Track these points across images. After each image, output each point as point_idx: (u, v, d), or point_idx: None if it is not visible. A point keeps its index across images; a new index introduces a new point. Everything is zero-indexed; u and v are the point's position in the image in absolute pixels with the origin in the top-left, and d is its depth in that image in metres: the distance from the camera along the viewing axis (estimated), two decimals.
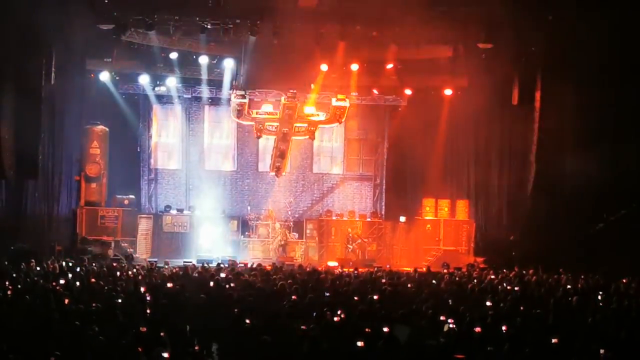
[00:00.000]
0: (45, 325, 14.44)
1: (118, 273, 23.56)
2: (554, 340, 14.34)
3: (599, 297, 20.63)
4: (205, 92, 34.49)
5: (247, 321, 15.36)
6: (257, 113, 32.73)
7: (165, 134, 35.83)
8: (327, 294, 19.76)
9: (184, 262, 28.91)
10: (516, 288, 22.43)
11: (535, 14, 28.83)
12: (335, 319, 16.09)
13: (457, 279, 25.35)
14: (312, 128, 33.37)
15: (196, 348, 14.45)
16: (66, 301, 17.17)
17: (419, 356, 14.02)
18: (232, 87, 33.18)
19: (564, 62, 29.70)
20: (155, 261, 29.30)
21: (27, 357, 12.65)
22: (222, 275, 23.26)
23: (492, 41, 30.16)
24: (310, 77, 33.30)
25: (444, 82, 33.61)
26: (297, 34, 31.14)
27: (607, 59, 29.10)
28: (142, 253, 32.10)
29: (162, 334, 13.84)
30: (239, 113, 32.61)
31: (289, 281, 21.27)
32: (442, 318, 16.39)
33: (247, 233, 33.81)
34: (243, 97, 32.16)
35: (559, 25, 29.22)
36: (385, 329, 14.79)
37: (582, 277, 24.87)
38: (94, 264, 26.94)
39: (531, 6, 28.43)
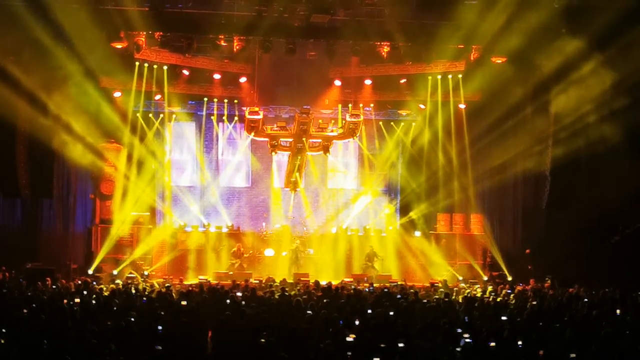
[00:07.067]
0: (61, 344, 14.43)
1: (133, 291, 23.56)
2: (572, 355, 14.24)
3: (617, 312, 20.49)
4: (218, 108, 34.53)
5: (264, 338, 15.34)
6: (271, 129, 32.67)
7: (180, 151, 35.84)
8: (343, 310, 19.71)
9: (200, 279, 28.93)
10: (532, 302, 22.34)
11: (549, 27, 28.74)
12: (351, 334, 16.03)
13: (472, 293, 25.26)
14: (326, 143, 33.28)
15: None
16: (82, 319, 17.19)
17: None
18: (245, 104, 33.26)
19: (578, 75, 29.62)
20: (171, 279, 29.39)
21: None
22: (238, 292, 23.27)
23: (506, 54, 30.14)
24: (324, 93, 33.41)
25: (458, 95, 33.55)
26: (310, 50, 31.27)
27: (622, 73, 29.00)
28: (157, 271, 32.05)
29: (178, 352, 13.84)
30: (253, 129, 32.56)
31: (304, 297, 21.26)
32: (458, 332, 16.35)
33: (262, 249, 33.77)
34: (257, 113, 32.13)
35: (572, 38, 29.14)
36: (401, 345, 14.75)
37: (599, 290, 24.75)
38: (109, 282, 26.99)
39: (544, 19, 28.34)
